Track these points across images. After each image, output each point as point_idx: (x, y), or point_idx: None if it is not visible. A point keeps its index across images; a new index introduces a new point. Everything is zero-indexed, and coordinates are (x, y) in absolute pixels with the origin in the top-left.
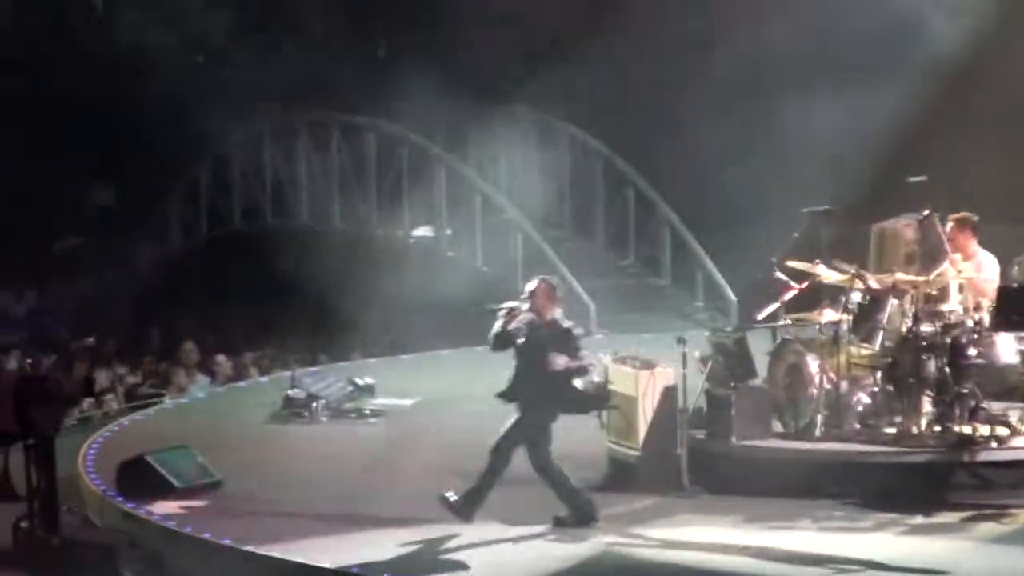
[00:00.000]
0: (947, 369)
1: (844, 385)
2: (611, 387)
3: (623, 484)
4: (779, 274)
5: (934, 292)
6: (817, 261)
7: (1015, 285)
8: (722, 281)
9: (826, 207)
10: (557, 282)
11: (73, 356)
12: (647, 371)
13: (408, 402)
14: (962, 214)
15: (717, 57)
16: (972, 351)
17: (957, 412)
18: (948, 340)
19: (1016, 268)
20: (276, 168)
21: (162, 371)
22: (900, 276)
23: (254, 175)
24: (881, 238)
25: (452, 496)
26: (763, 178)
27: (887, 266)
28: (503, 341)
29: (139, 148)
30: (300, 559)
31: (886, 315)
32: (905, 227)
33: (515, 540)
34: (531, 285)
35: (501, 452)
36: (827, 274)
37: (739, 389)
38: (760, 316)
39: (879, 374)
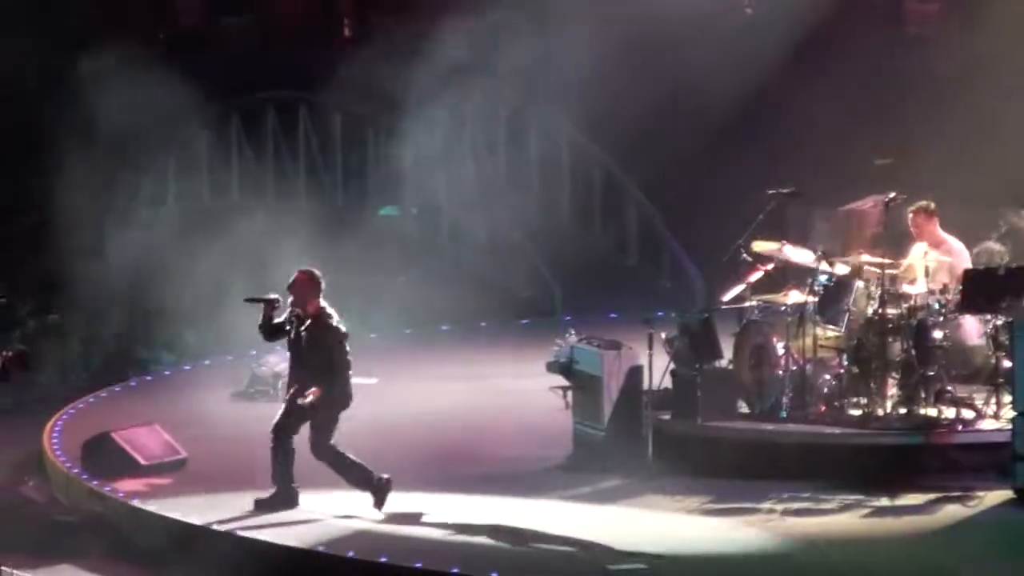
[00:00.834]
0: (913, 351)
1: (810, 367)
2: (577, 367)
3: (588, 464)
4: (745, 255)
5: (900, 274)
6: (783, 242)
7: (981, 268)
8: (689, 262)
9: (792, 189)
10: (320, 273)
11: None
12: (613, 351)
13: (373, 380)
14: (919, 203)
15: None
16: (938, 333)
17: (923, 394)
18: (914, 322)
19: (977, 252)
20: (243, 147)
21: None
22: (866, 258)
23: (221, 155)
24: (847, 220)
25: (266, 495)
26: (733, 159)
27: (853, 248)
28: (268, 332)
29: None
30: (265, 537)
31: (852, 297)
32: (871, 209)
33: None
34: (292, 276)
35: (282, 436)
36: (793, 254)
37: (705, 370)
38: (726, 297)
39: (845, 356)
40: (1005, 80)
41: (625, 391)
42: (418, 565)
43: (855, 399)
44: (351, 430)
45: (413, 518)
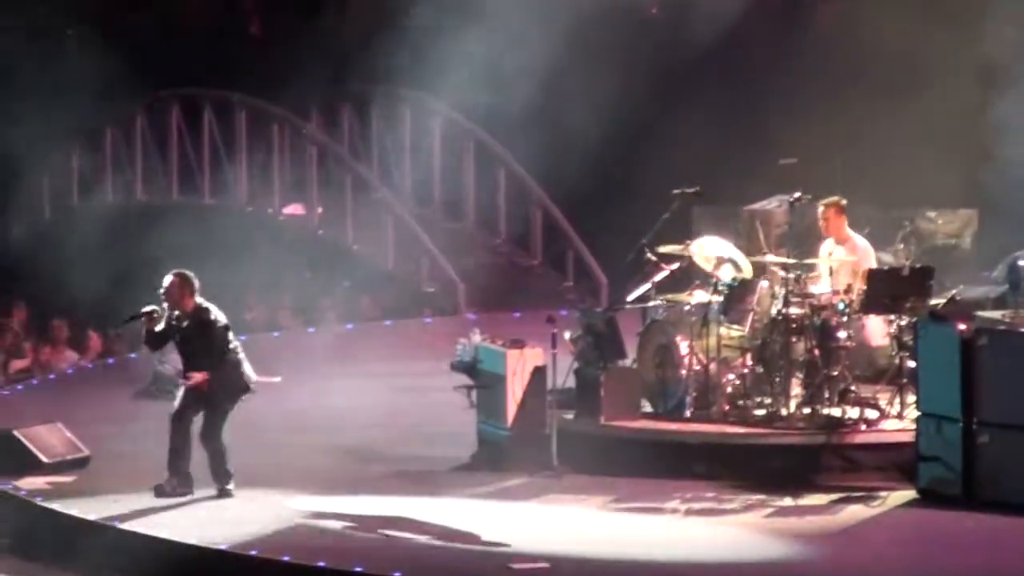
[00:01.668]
0: (817, 351)
1: (713, 366)
2: (481, 366)
3: (492, 463)
4: (649, 255)
5: (804, 274)
6: (688, 242)
7: (885, 268)
8: (593, 261)
9: (696, 188)
10: (191, 274)
11: None
12: (516, 350)
13: (277, 379)
14: (832, 198)
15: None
16: (842, 333)
17: (826, 394)
18: (818, 322)
19: (895, 252)
20: (147, 144)
21: (29, 348)
22: (770, 258)
23: (126, 151)
24: (752, 220)
25: (165, 484)
26: (636, 158)
27: (758, 248)
28: (153, 340)
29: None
30: (165, 535)
31: (756, 297)
32: (776, 209)
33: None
34: (165, 281)
35: (181, 425)
36: (698, 254)
37: (608, 369)
38: (631, 297)
39: (749, 356)
40: (910, 79)
41: (529, 390)
42: (321, 564)
43: (759, 399)
44: (256, 427)
45: (318, 517)
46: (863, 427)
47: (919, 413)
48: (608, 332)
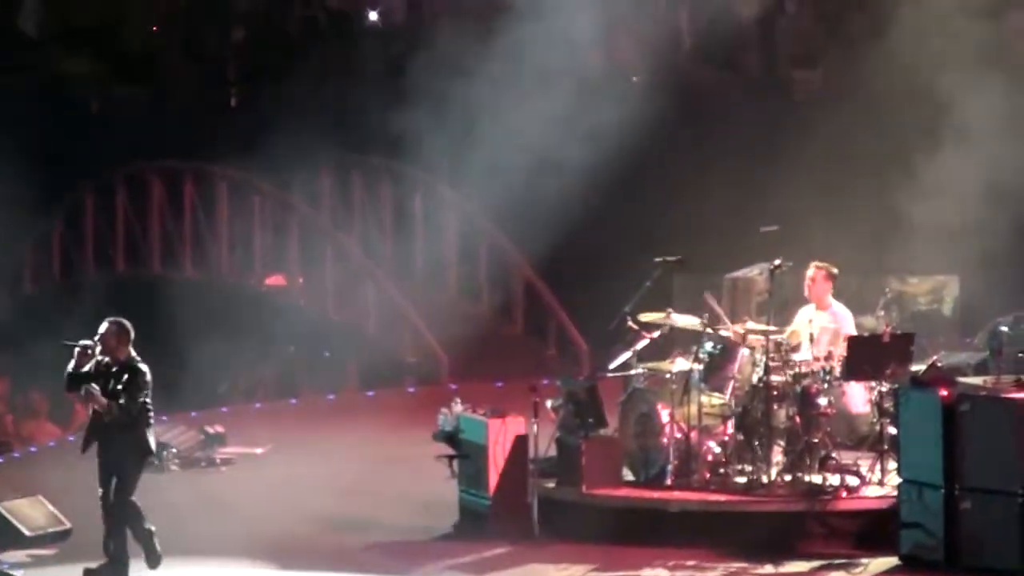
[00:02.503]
0: (798, 418)
1: (695, 434)
2: (462, 436)
3: (474, 532)
4: (631, 323)
5: (785, 342)
6: (669, 311)
7: (865, 335)
8: (575, 330)
9: (678, 257)
10: (129, 325)
11: None
12: (498, 419)
13: (259, 450)
14: (824, 263)
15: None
16: (823, 400)
17: (808, 461)
18: (799, 389)
19: (876, 318)
20: (128, 217)
21: (10, 421)
22: (751, 325)
23: (106, 224)
24: (733, 288)
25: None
26: (618, 228)
27: (739, 315)
28: (75, 381)
29: None
30: None
31: (737, 364)
32: (757, 277)
33: None
34: (102, 328)
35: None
36: (680, 322)
37: (590, 438)
38: (612, 365)
39: (730, 423)
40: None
41: (510, 459)
42: None
43: (740, 466)
44: (236, 499)
45: None
46: (844, 494)
47: (901, 479)
48: (589, 400)
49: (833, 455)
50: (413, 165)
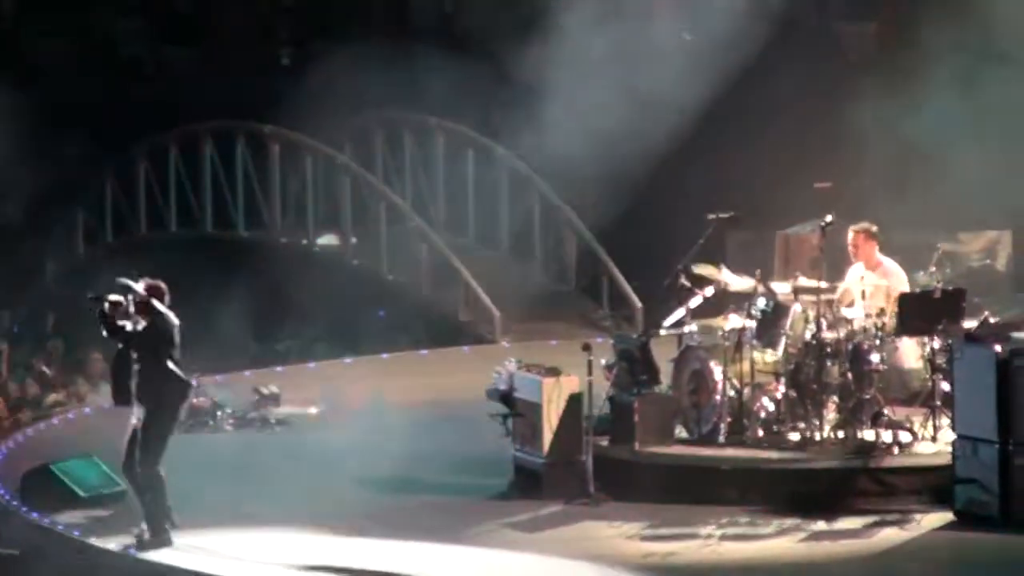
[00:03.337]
0: (850, 375)
1: (748, 391)
2: (517, 395)
3: (528, 491)
4: (684, 280)
5: (836, 298)
6: (722, 267)
7: (917, 291)
8: (627, 287)
9: (732, 213)
10: (164, 285)
11: None
12: (552, 378)
13: (313, 410)
14: (861, 224)
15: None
16: (875, 357)
17: (860, 418)
18: (851, 346)
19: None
20: (181, 177)
21: (66, 381)
22: (804, 282)
23: (159, 184)
24: (786, 244)
25: (142, 534)
26: (672, 183)
27: (792, 272)
28: (108, 330)
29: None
30: (201, 568)
31: (789, 321)
32: (810, 234)
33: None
34: (136, 287)
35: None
36: (732, 280)
37: (643, 395)
38: (666, 323)
39: (783, 380)
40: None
41: (564, 418)
42: None
43: (793, 423)
44: (290, 460)
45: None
46: (896, 450)
47: (955, 435)
48: (642, 358)
49: (885, 411)
50: (466, 124)
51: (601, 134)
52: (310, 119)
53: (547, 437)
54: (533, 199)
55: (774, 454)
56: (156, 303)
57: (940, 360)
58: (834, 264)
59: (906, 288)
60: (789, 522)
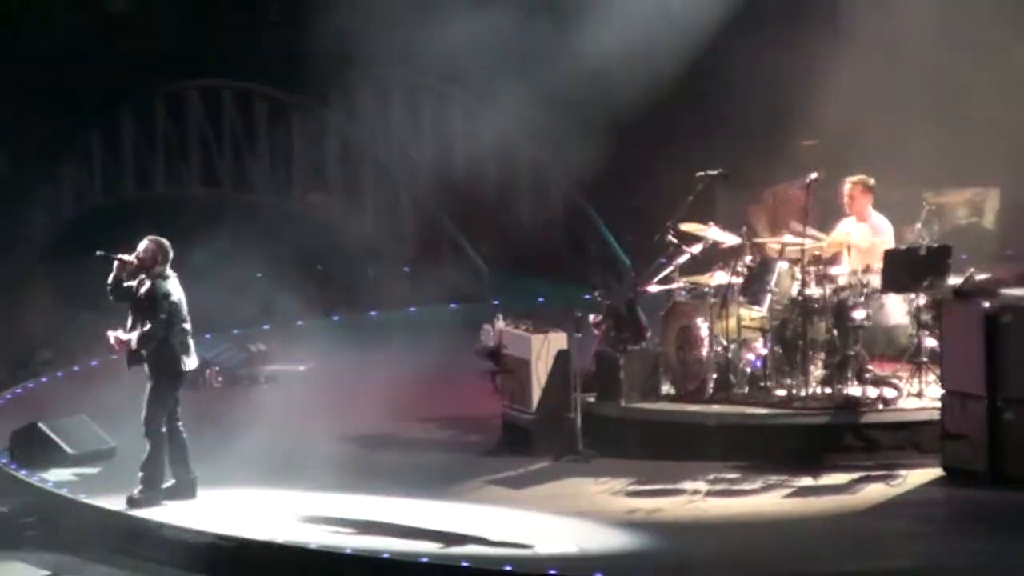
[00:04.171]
0: (835, 331)
1: (734, 347)
2: (505, 351)
3: (517, 447)
4: (672, 238)
5: (823, 255)
6: (710, 224)
7: (903, 247)
8: (616, 245)
9: (721, 170)
10: (168, 244)
11: None
12: (540, 335)
13: (301, 367)
14: (859, 176)
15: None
16: (860, 313)
17: (846, 374)
18: (836, 302)
19: (916, 230)
20: (168, 135)
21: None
22: (789, 239)
23: (146, 143)
24: (775, 201)
25: (135, 493)
26: (660, 141)
27: (780, 229)
28: (117, 293)
29: (31, 112)
30: (193, 526)
31: (775, 277)
32: (798, 190)
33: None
34: (140, 246)
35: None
36: (720, 237)
37: (629, 352)
38: (653, 279)
39: (769, 336)
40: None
41: (553, 374)
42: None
43: (779, 379)
44: (278, 416)
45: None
46: (881, 406)
47: (943, 391)
48: (628, 315)
49: (870, 367)
50: (452, 82)
51: (588, 91)
52: (297, 75)
53: (536, 394)
54: (522, 157)
55: (760, 410)
56: (158, 269)
57: (926, 316)
58: (820, 221)
59: (892, 244)
60: (775, 478)
